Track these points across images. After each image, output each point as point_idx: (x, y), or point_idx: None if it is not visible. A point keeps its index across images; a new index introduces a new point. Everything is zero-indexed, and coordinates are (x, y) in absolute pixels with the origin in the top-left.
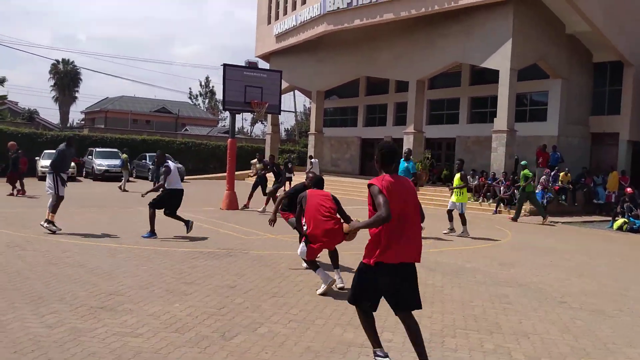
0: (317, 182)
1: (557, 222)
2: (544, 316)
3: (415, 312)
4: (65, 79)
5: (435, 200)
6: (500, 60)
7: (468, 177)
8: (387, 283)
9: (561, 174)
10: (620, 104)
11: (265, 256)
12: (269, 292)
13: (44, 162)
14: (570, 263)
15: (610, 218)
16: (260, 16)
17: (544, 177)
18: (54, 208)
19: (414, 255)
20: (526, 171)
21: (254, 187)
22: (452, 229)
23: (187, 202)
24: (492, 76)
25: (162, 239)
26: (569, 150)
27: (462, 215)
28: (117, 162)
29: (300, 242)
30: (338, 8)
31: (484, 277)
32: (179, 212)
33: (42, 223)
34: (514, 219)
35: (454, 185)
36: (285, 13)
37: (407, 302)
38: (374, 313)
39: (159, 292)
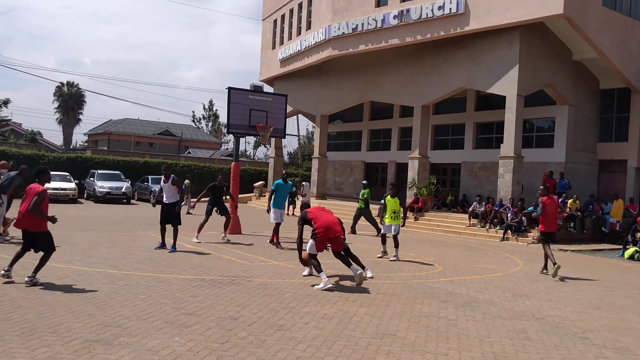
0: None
1: (567, 250)
2: (567, 354)
3: (431, 350)
4: (70, 101)
5: (441, 227)
6: (507, 86)
7: (475, 202)
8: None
9: (569, 201)
10: (628, 131)
11: (270, 284)
12: (274, 324)
13: (47, 184)
14: (587, 295)
15: (618, 246)
16: (264, 41)
17: None
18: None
19: (22, 226)
20: (367, 190)
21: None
22: (385, 252)
23: (190, 225)
24: (498, 102)
25: (168, 265)
26: (576, 177)
27: (395, 237)
28: (119, 184)
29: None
30: (343, 33)
31: (499, 310)
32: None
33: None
34: (352, 231)
35: (392, 209)
36: (289, 38)
37: (36, 249)
38: None
39: (158, 323)
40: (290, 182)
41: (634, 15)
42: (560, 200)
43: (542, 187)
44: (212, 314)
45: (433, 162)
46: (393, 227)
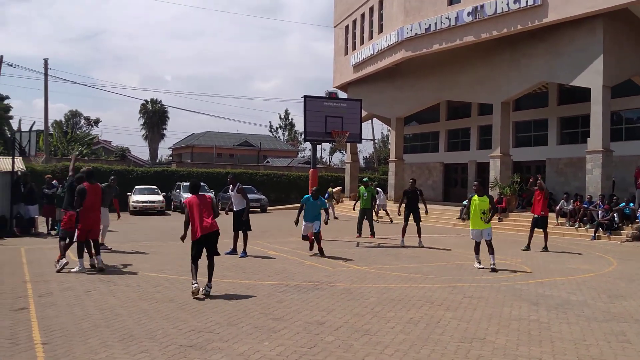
0: None
1: None
2: None
3: (524, 355)
4: (154, 117)
5: (526, 227)
6: (592, 77)
7: (562, 201)
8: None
9: None
10: None
11: (353, 289)
12: (360, 329)
13: (135, 197)
14: None
15: None
16: (337, 47)
17: None
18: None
19: (208, 229)
20: (367, 188)
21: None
22: (480, 262)
23: (271, 232)
24: (582, 95)
25: (250, 273)
26: None
27: (489, 243)
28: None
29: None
30: (416, 34)
31: (594, 312)
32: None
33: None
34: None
35: (480, 210)
36: (362, 43)
37: (213, 252)
38: None
39: (248, 329)
40: (322, 199)
41: None
42: None
43: (531, 180)
44: (298, 319)
45: (515, 160)
46: (484, 232)
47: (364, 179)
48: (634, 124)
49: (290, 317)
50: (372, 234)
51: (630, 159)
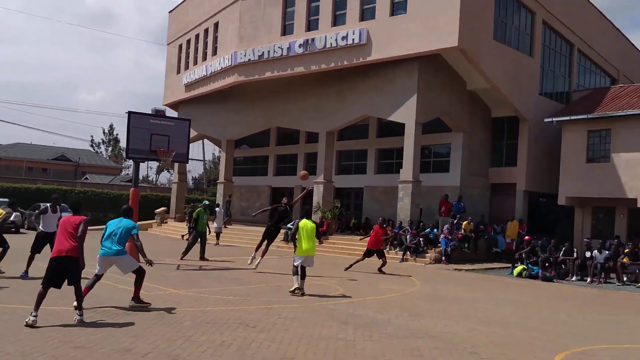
0: None
1: (461, 269)
2: None
3: None
4: None
5: (346, 249)
6: (406, 114)
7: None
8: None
9: (464, 222)
10: (517, 156)
11: (167, 314)
12: (170, 354)
13: None
14: (478, 312)
15: (510, 265)
16: (169, 65)
17: (446, 226)
18: None
19: (60, 253)
20: (205, 211)
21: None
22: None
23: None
24: (398, 129)
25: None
26: (470, 200)
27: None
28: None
29: None
30: (249, 60)
31: (395, 329)
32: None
33: None
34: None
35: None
36: (195, 63)
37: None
38: None
39: (44, 359)
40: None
41: (522, 49)
42: (455, 222)
43: (380, 219)
44: (103, 347)
45: (337, 186)
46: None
47: (205, 202)
48: (441, 158)
49: (95, 344)
50: (202, 256)
51: (436, 190)
